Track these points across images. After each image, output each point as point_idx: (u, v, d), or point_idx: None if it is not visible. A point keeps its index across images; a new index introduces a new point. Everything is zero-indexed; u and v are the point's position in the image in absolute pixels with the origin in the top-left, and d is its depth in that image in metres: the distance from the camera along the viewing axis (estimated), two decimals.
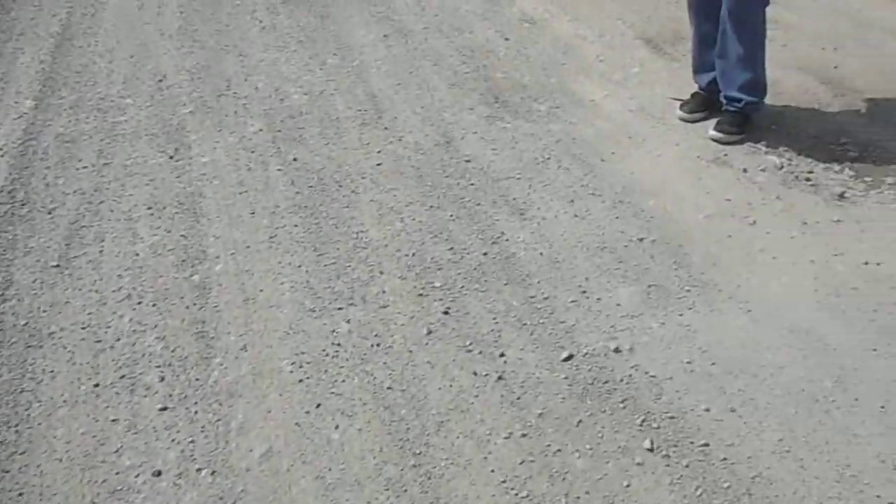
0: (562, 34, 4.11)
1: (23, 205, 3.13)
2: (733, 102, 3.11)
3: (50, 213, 3.06)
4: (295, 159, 3.28)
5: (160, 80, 3.96)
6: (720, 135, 3.12)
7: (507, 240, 2.75)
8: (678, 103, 3.33)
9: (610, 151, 3.15)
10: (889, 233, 2.61)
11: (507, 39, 4.11)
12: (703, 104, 3.25)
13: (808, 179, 2.89)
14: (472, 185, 3.03)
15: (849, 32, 3.87)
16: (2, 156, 3.41)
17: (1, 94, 3.86)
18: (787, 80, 3.49)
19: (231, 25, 4.49)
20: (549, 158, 3.14)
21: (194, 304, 2.62)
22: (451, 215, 2.88)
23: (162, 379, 2.30)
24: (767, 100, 3.19)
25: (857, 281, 2.43)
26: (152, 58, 4.19)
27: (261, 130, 3.50)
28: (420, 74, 3.85)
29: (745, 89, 3.05)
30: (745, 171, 2.95)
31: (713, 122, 3.19)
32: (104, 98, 3.84)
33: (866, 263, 2.49)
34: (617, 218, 2.79)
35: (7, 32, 4.46)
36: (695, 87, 3.31)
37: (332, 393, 2.26)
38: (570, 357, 2.28)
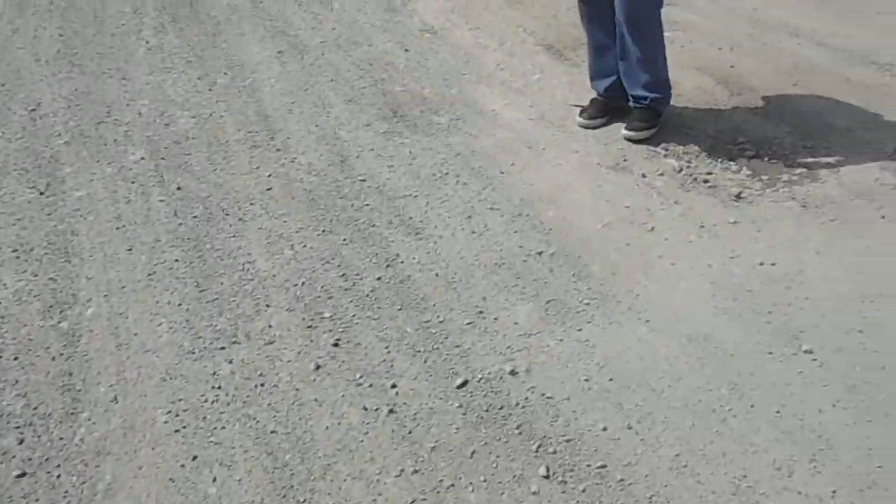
0: (463, 43, 4.09)
1: None
2: (640, 100, 3.16)
3: None
4: (179, 188, 3.18)
5: (33, 110, 3.81)
6: (632, 133, 3.16)
7: (402, 262, 2.69)
8: (578, 109, 3.33)
9: (510, 162, 3.13)
10: (783, 231, 2.65)
11: (406, 51, 4.08)
12: (602, 110, 3.27)
13: (706, 181, 2.91)
14: (366, 205, 2.97)
15: (745, 32, 3.95)
16: None
17: None
18: (686, 82, 3.53)
19: (115, 47, 4.35)
20: (447, 173, 3.10)
21: (61, 355, 2.49)
22: (344, 239, 2.82)
23: (21, 441, 2.18)
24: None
25: (753, 283, 2.45)
26: (25, 85, 4.03)
27: (142, 159, 3.38)
28: (316, 91, 3.78)
29: (649, 87, 3.11)
30: (644, 176, 2.96)
31: (614, 126, 3.21)
32: None
33: (762, 264, 2.51)
34: (515, 232, 2.76)
35: None
36: (594, 94, 3.32)
37: (211, 442, 2.16)
38: (464, 383, 2.23)
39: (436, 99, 3.65)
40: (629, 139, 3.17)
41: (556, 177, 3.02)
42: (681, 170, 2.97)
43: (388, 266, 2.68)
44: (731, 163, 3.02)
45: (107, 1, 4.87)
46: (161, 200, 3.11)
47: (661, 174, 2.96)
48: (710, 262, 2.53)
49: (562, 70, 3.73)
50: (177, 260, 2.81)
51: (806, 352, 2.19)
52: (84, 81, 4.03)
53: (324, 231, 2.87)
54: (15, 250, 2.92)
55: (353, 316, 2.51)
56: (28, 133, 3.62)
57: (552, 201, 2.88)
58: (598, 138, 3.21)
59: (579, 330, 2.36)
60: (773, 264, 2.50)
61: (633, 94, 3.19)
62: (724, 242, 2.61)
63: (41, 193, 3.22)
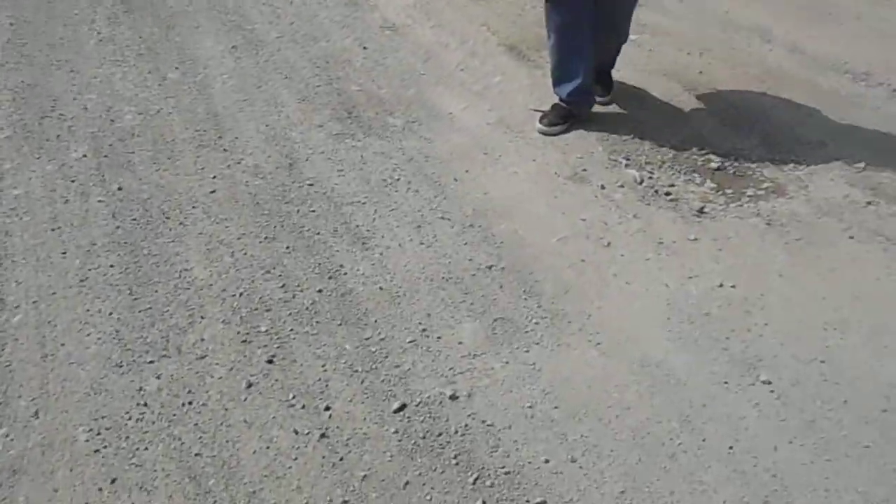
0: (423, 42, 3.93)
1: None
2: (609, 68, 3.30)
3: None
4: (120, 188, 2.99)
5: None
6: (609, 97, 3.28)
7: (345, 273, 2.54)
8: (538, 115, 3.19)
9: (464, 169, 2.98)
10: (745, 250, 2.52)
11: (365, 48, 3.91)
12: (563, 116, 3.12)
13: (668, 194, 2.78)
14: (312, 211, 2.81)
15: (716, 35, 3.82)
16: None
17: None
18: (652, 88, 3.40)
19: (66, 38, 4.14)
20: (398, 179, 2.95)
21: None
22: (287, 247, 2.66)
23: None
24: (633, 108, 3.15)
25: (711, 306, 2.32)
26: None
27: (85, 156, 3.19)
28: (269, 89, 3.61)
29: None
30: (602, 187, 2.82)
31: (574, 133, 3.08)
32: None
33: (721, 286, 2.38)
34: (465, 244, 2.61)
35: None
36: (555, 99, 3.18)
37: (132, 464, 2.00)
38: (402, 407, 2.09)
39: (392, 100, 3.49)
40: (601, 103, 3.26)
41: (511, 186, 2.87)
42: (642, 181, 2.84)
43: (330, 278, 2.53)
44: (695, 175, 2.89)
45: None
46: (100, 201, 2.93)
47: (621, 186, 2.83)
48: (667, 282, 2.40)
49: (524, 72, 3.58)
50: (112, 266, 2.64)
51: (763, 382, 2.06)
52: (31, 73, 3.82)
53: (266, 238, 2.70)
54: None
55: (291, 330, 2.35)
56: None
57: (506, 213, 2.74)
58: (557, 146, 3.07)
59: (526, 352, 2.22)
60: (732, 286, 2.37)
61: (608, 67, 3.26)
62: (683, 261, 2.48)
63: None
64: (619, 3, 3.07)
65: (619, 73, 3.40)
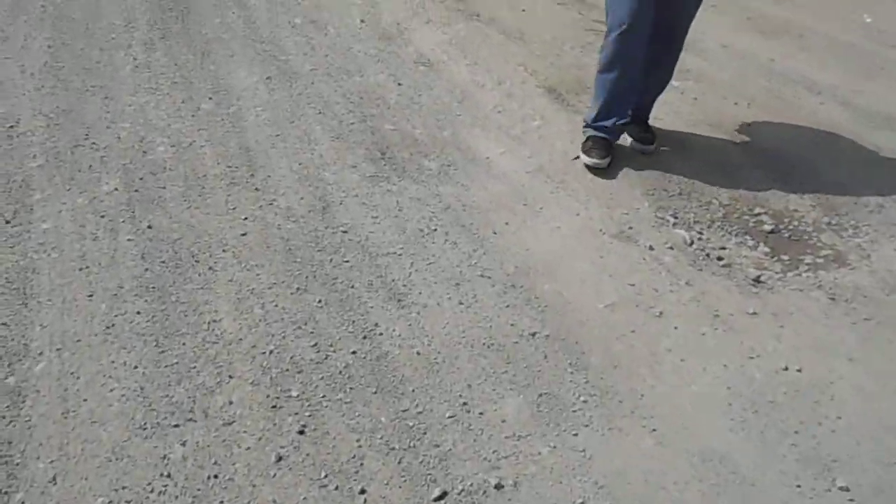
0: (458, 80, 3.68)
1: None
2: (649, 111, 3.11)
3: None
4: (150, 226, 2.76)
5: (12, 127, 3.37)
6: (652, 145, 3.08)
7: (380, 333, 2.29)
8: (580, 158, 2.94)
9: (504, 221, 2.73)
10: (809, 329, 2.26)
11: (399, 84, 3.67)
12: (609, 149, 2.97)
13: (720, 258, 2.52)
14: (346, 262, 2.57)
15: (761, 85, 3.56)
16: None
17: None
18: (698, 138, 3.15)
19: (102, 62, 3.92)
20: (435, 230, 2.70)
21: (3, 417, 2.09)
22: (320, 301, 2.42)
23: None
24: (678, 161, 2.90)
25: (776, 392, 2.06)
26: (8, 99, 3.59)
27: (116, 190, 2.96)
28: (302, 124, 3.37)
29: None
30: (651, 248, 2.57)
31: (618, 185, 2.83)
32: None
33: (785, 369, 2.12)
34: (507, 306, 2.36)
35: None
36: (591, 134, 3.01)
37: None
38: (442, 495, 1.84)
39: (427, 141, 3.25)
40: (646, 152, 3.02)
41: (554, 242, 2.62)
42: (692, 242, 2.59)
43: (364, 338, 2.28)
44: (748, 237, 2.63)
45: (100, 12, 4.42)
46: (129, 240, 2.70)
47: (671, 247, 2.57)
48: (725, 362, 2.14)
49: (563, 118, 3.33)
50: (139, 312, 2.40)
51: (841, 489, 1.80)
52: (67, 98, 3.59)
53: (298, 289, 2.46)
54: None
55: (323, 397, 2.10)
56: (3, 152, 3.19)
57: (549, 272, 2.49)
58: (600, 199, 2.82)
59: (575, 435, 1.96)
60: (798, 370, 2.11)
61: (647, 108, 3.06)
62: (742, 338, 2.22)
63: (7, 222, 2.80)
64: (669, 40, 2.85)
65: (662, 122, 3.15)
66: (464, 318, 2.34)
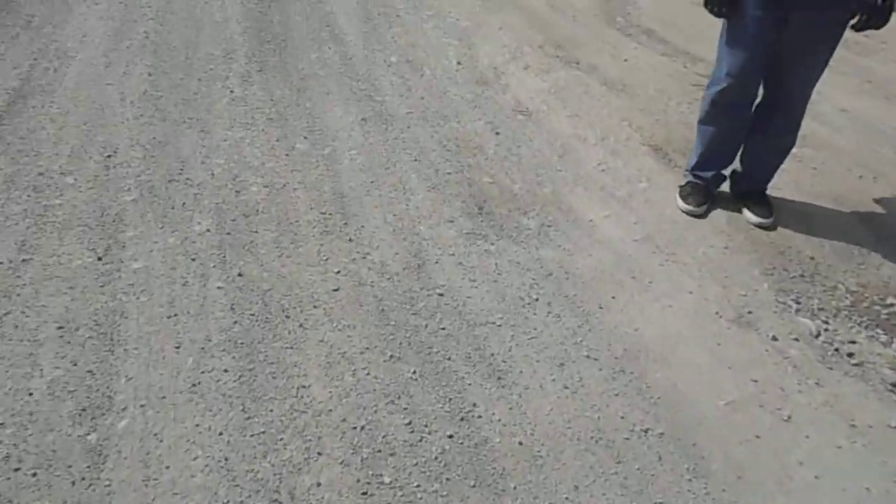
0: (560, 132, 3.47)
1: None
2: (765, 184, 2.88)
3: None
4: (240, 274, 2.62)
5: (109, 157, 3.30)
6: (768, 219, 2.80)
7: (479, 416, 2.08)
8: (679, 206, 2.84)
9: (610, 295, 2.50)
10: None
11: (497, 133, 3.48)
12: (707, 195, 2.85)
13: (850, 355, 2.24)
14: (442, 329, 2.37)
15: (888, 157, 3.24)
16: None
17: None
18: (820, 213, 2.86)
19: (199, 94, 3.84)
20: (537, 299, 2.49)
21: (83, 479, 1.95)
22: (414, 372, 2.22)
23: None
24: (799, 238, 2.70)
25: None
26: (107, 127, 3.53)
27: (208, 231, 2.84)
28: (397, 171, 3.20)
29: (774, 171, 2.88)
30: (774, 339, 2.30)
31: (733, 260, 2.58)
32: (43, 174, 3.18)
33: None
34: (616, 395, 2.13)
35: None
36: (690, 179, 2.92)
37: None
38: None
39: (526, 197, 3.04)
40: (764, 226, 2.76)
41: (665, 323, 2.38)
42: (818, 334, 2.31)
43: (462, 419, 2.08)
44: (879, 331, 2.34)
45: (199, 41, 4.37)
46: (219, 287, 2.56)
47: (795, 339, 2.30)
48: (867, 484, 1.87)
49: (671, 180, 3.08)
50: (226, 370, 2.25)
51: None
52: (163, 130, 3.52)
53: (392, 357, 2.27)
54: (61, 326, 2.41)
55: (417, 486, 1.90)
56: (99, 183, 3.11)
57: (662, 358, 2.24)
58: (715, 276, 2.56)
59: None
60: None
61: (763, 178, 2.81)
62: (884, 456, 1.95)
63: (99, 259, 2.70)
64: (787, 105, 2.60)
65: (781, 192, 2.88)
66: (569, 404, 2.11)
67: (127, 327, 2.42)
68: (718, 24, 2.58)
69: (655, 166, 3.19)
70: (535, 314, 2.44)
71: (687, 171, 2.91)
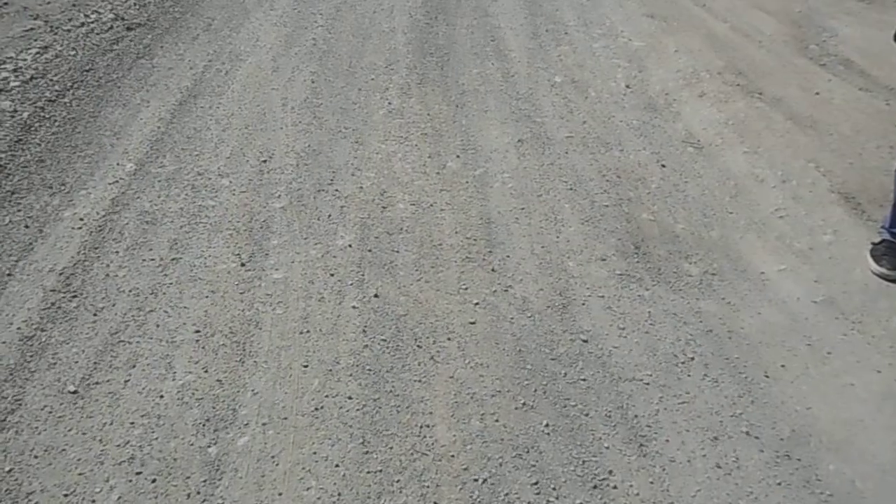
0: (734, 169, 3.18)
1: (73, 297, 2.60)
2: None
3: (95, 314, 2.53)
4: (376, 295, 2.57)
5: (264, 161, 3.38)
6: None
7: (614, 486, 1.89)
8: (870, 267, 2.49)
9: (779, 363, 2.22)
10: None
11: (663, 166, 3.24)
12: None
13: None
14: (583, 380, 2.19)
15: None
16: (79, 228, 2.92)
17: (109, 152, 3.42)
18: None
19: (358, 104, 3.87)
20: (692, 359, 2.25)
21: (198, 493, 1.96)
22: (547, 425, 2.06)
23: None
24: None
25: None
26: (266, 131, 3.64)
27: (350, 246, 2.82)
28: (550, 199, 3.05)
29: None
30: None
31: None
32: (202, 173, 3.30)
33: None
34: (779, 484, 1.87)
35: (142, 81, 4.05)
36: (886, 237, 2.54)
37: None
38: None
39: (690, 239, 2.79)
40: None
41: (844, 405, 2.07)
42: None
43: (595, 487, 1.89)
44: None
45: (364, 50, 4.42)
46: (354, 307, 2.52)
47: None
48: None
49: (863, 235, 2.73)
50: (350, 397, 2.19)
51: None
52: (319, 138, 3.57)
53: (524, 405, 2.13)
54: (198, 331, 2.46)
55: None
56: (252, 187, 3.19)
57: (837, 447, 1.95)
58: None
59: None
60: None
61: None
62: None
63: (242, 265, 2.75)
64: None
65: None
66: (721, 487, 1.87)
67: (260, 339, 2.43)
68: None
69: (845, 217, 2.84)
70: (689, 376, 2.21)
71: (883, 227, 2.57)
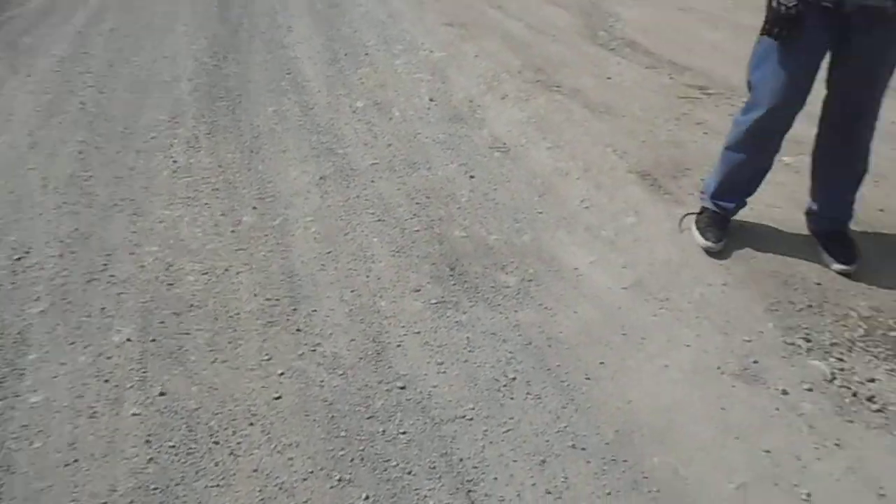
0: (540, 167, 3.22)
1: None
2: (845, 222, 2.64)
3: None
4: (162, 393, 2.37)
5: (19, 259, 3.03)
6: (853, 266, 2.52)
7: None
8: (696, 240, 2.60)
9: (598, 360, 2.24)
10: None
11: (472, 177, 3.24)
12: (725, 228, 2.64)
13: (870, 399, 1.98)
14: (402, 434, 2.12)
15: (888, 156, 2.95)
16: None
17: None
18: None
19: (136, 169, 3.63)
20: (514, 379, 2.23)
21: None
22: (367, 497, 1.97)
23: None
24: (803, 261, 2.50)
25: None
26: (21, 222, 3.27)
27: (128, 340, 2.59)
28: (357, 237, 2.97)
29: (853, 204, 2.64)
30: (784, 392, 2.05)
31: (732, 302, 2.32)
32: None
33: None
34: (609, 494, 1.86)
35: None
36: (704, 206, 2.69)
37: None
38: None
39: (504, 248, 2.79)
40: (848, 273, 2.48)
41: (662, 390, 2.11)
42: (833, 378, 2.06)
43: None
44: None
45: (144, 105, 4.17)
46: (135, 414, 2.30)
47: (809, 388, 2.06)
48: None
49: (662, 211, 2.81)
50: None
51: None
52: (88, 218, 3.28)
53: (340, 481, 2.02)
54: None
55: None
56: (3, 294, 2.86)
57: (659, 437, 1.98)
58: (713, 320, 2.30)
59: None
60: None
61: (842, 216, 2.59)
62: None
63: None
64: (858, 123, 2.41)
65: (781, 210, 2.63)
66: None
67: (12, 487, 2.13)
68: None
69: (643, 196, 2.92)
70: (511, 398, 2.18)
71: (705, 196, 2.68)
